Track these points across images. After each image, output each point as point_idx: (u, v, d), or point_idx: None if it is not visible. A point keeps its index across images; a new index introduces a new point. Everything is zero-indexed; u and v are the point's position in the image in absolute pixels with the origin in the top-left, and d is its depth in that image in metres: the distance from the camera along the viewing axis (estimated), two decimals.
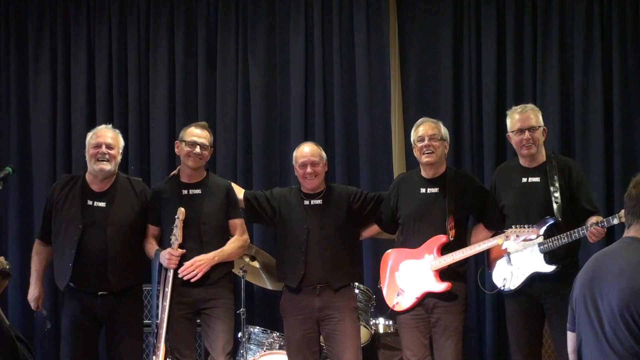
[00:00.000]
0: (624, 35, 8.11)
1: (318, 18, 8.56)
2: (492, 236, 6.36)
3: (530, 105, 6.36)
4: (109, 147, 6.46)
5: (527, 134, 6.18)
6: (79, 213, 6.43)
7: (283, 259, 6.64)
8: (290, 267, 6.53)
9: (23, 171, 8.70)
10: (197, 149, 6.50)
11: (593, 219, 6.01)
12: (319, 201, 6.57)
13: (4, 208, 8.77)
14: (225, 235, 6.56)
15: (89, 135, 6.60)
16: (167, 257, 6.33)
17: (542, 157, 6.28)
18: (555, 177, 6.14)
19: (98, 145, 6.45)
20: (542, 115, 6.37)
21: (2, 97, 8.98)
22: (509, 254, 6.22)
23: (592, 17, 8.13)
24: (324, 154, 6.64)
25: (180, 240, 6.34)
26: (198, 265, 6.33)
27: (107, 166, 6.44)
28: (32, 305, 6.63)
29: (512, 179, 6.33)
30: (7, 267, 4.08)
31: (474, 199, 6.50)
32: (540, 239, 6.06)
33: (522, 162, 6.31)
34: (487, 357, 8.14)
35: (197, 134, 6.55)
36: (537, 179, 6.21)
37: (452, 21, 8.42)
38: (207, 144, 6.57)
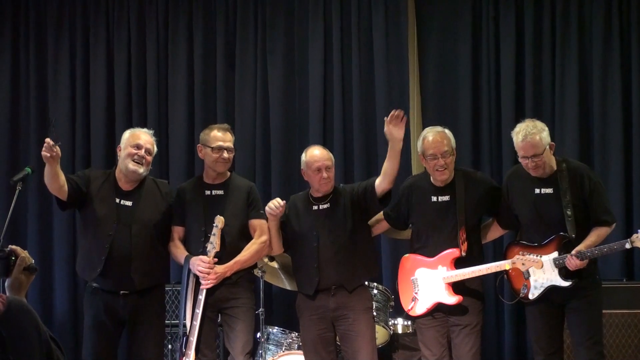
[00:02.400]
0: None
1: (337, 19, 8.58)
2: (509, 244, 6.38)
3: (534, 129, 6.10)
4: (148, 152, 6.47)
5: (530, 161, 6.07)
6: (114, 210, 6.45)
7: (298, 267, 6.63)
8: (305, 274, 6.51)
9: (42, 172, 8.71)
10: (225, 154, 6.51)
11: (582, 246, 5.94)
12: (326, 205, 6.53)
13: (24, 208, 8.77)
14: (246, 236, 6.56)
15: (128, 134, 6.55)
16: (198, 263, 6.36)
17: (553, 166, 6.17)
18: (567, 187, 6.08)
19: (139, 147, 6.43)
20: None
21: (22, 97, 9.03)
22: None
23: (610, 22, 8.13)
24: (332, 157, 6.63)
25: (218, 248, 6.30)
26: (214, 277, 6.35)
27: (141, 169, 6.44)
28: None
29: (525, 189, 6.25)
30: (32, 262, 4.10)
31: (487, 200, 6.45)
32: (555, 254, 6.05)
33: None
34: (506, 358, 8.14)
35: (221, 138, 6.54)
36: (550, 190, 6.12)
37: (470, 25, 8.43)
38: (232, 146, 6.60)
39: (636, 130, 8.06)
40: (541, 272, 6.10)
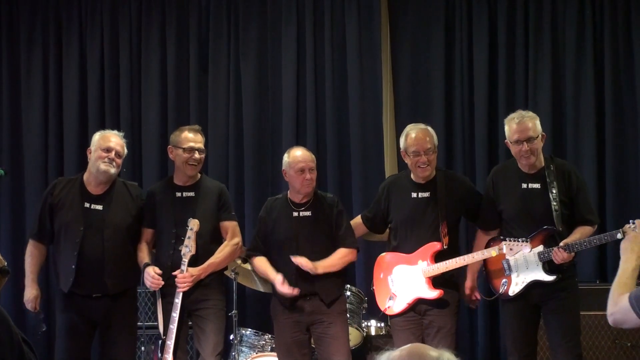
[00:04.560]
0: (615, 37, 8.12)
1: (310, 21, 8.57)
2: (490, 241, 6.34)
3: (528, 114, 6.23)
4: (118, 154, 6.47)
5: (525, 145, 6.10)
6: (80, 215, 6.43)
7: None
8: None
9: (15, 174, 8.69)
10: (196, 155, 6.51)
11: (568, 240, 5.99)
12: (308, 213, 6.49)
13: None
14: (218, 238, 6.57)
15: (98, 136, 6.58)
16: (145, 276, 6.39)
17: (541, 161, 6.22)
18: (554, 183, 6.11)
19: (109, 150, 6.44)
20: None
21: None
22: (507, 261, 6.20)
23: (583, 19, 8.14)
24: (315, 158, 6.59)
25: (194, 251, 6.33)
26: (190, 280, 6.34)
27: (112, 169, 6.44)
28: (30, 306, 6.56)
29: (512, 184, 6.29)
30: (5, 264, 4.08)
31: (466, 202, 6.50)
32: (541, 248, 6.07)
33: (522, 166, 6.27)
34: (480, 359, 8.14)
35: (192, 139, 6.53)
36: (537, 185, 6.17)
37: (443, 23, 8.42)
38: (203, 147, 6.59)
39: (609, 125, 8.06)
40: (524, 267, 6.11)
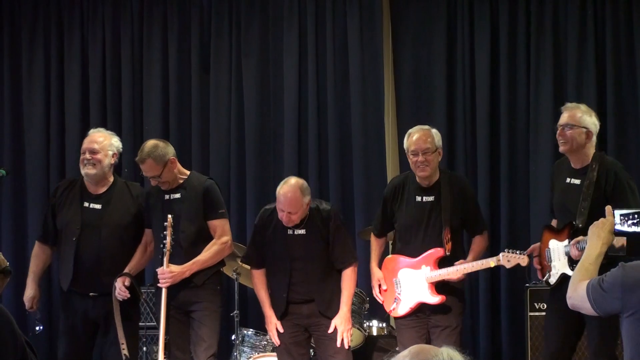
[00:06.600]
0: (617, 37, 8.10)
1: (312, 21, 8.56)
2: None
3: (575, 104, 6.37)
4: (92, 152, 6.47)
5: (559, 130, 6.18)
6: (78, 214, 6.46)
7: (269, 285, 6.60)
8: (274, 297, 6.53)
9: (16, 174, 8.69)
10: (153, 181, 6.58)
11: (580, 238, 5.91)
12: (302, 231, 6.44)
13: None
14: (205, 239, 6.55)
15: None
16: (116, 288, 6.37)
17: (588, 158, 6.20)
18: (593, 179, 6.06)
19: (83, 152, 6.51)
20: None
21: None
22: (549, 250, 6.20)
23: (585, 18, 8.12)
24: (305, 200, 6.34)
25: (168, 246, 6.35)
26: (169, 276, 6.35)
27: (92, 170, 6.46)
28: (27, 305, 6.61)
29: (560, 178, 6.33)
30: (7, 265, 4.10)
31: (466, 208, 6.55)
32: (566, 242, 6.05)
33: (571, 161, 6.27)
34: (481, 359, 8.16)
35: (142, 168, 6.58)
36: (578, 181, 6.16)
37: (445, 24, 8.40)
38: (156, 174, 6.52)
39: (610, 124, 7.97)
40: (557, 259, 6.10)
